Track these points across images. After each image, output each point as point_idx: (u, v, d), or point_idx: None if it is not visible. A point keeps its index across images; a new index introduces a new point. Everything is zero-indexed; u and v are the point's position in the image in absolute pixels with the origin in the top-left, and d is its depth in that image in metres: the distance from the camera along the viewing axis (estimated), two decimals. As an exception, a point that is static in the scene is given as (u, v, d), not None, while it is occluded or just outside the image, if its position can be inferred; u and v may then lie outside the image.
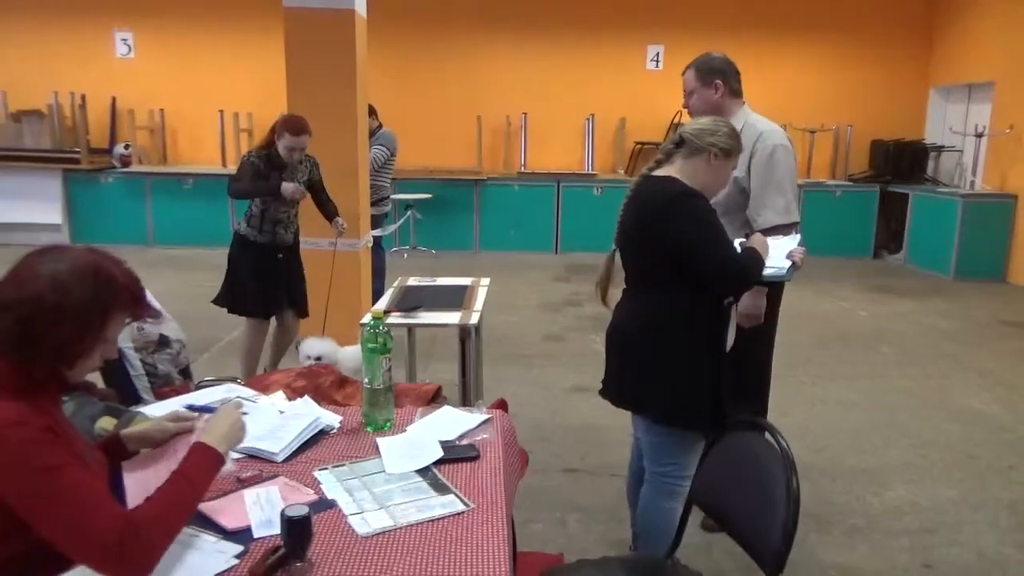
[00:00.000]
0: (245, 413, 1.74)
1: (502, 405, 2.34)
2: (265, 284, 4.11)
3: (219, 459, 1.48)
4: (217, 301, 4.26)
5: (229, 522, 1.53)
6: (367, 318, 2.05)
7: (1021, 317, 6.57)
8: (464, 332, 3.23)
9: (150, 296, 1.57)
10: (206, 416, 1.64)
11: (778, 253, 2.38)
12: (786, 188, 2.71)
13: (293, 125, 3.93)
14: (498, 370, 4.75)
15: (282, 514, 1.38)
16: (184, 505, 1.39)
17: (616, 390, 2.36)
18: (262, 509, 1.59)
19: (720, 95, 2.80)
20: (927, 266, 8.51)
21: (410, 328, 3.84)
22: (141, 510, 1.33)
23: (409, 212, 8.86)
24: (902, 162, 9.25)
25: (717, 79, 2.80)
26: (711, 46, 10.28)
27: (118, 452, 1.61)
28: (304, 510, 1.39)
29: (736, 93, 2.84)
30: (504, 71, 9.50)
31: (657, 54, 9.55)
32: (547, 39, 9.48)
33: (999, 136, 8.16)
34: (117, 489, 1.56)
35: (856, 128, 9.55)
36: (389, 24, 8.65)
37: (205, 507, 1.58)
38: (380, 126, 5.69)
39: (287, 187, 3.91)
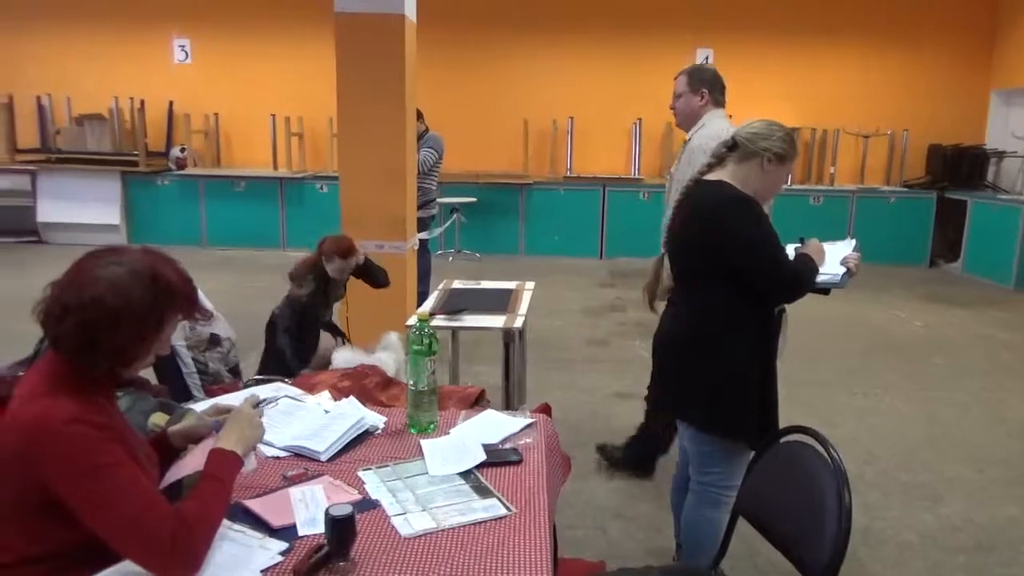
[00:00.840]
0: (262, 402, 1.76)
1: (546, 410, 2.34)
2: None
3: (237, 461, 1.51)
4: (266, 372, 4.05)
5: (275, 519, 1.56)
6: (413, 320, 2.07)
7: (1087, 329, 6.31)
8: (508, 336, 3.23)
9: (202, 296, 1.61)
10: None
11: (832, 259, 2.32)
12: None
13: (343, 248, 3.77)
14: (541, 374, 4.74)
15: (326, 513, 1.40)
16: (220, 504, 1.43)
17: (662, 396, 2.33)
18: (307, 507, 1.61)
19: (703, 103, 3.13)
20: (986, 275, 8.22)
21: (454, 331, 3.85)
22: (187, 508, 1.36)
23: (455, 215, 8.91)
24: (961, 168, 8.96)
25: (704, 88, 3.14)
26: (762, 49, 10.16)
27: (166, 449, 1.65)
28: (348, 509, 1.40)
29: (718, 103, 3.16)
30: (551, 75, 9.49)
31: (707, 57, 9.42)
32: (594, 42, 9.44)
33: (1065, 141, 7.85)
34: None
35: (912, 133, 9.29)
36: (436, 28, 8.71)
37: (252, 504, 1.61)
38: (427, 130, 5.74)
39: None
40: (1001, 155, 8.93)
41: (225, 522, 1.46)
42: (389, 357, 3.18)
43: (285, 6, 9.28)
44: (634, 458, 3.50)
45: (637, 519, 3.09)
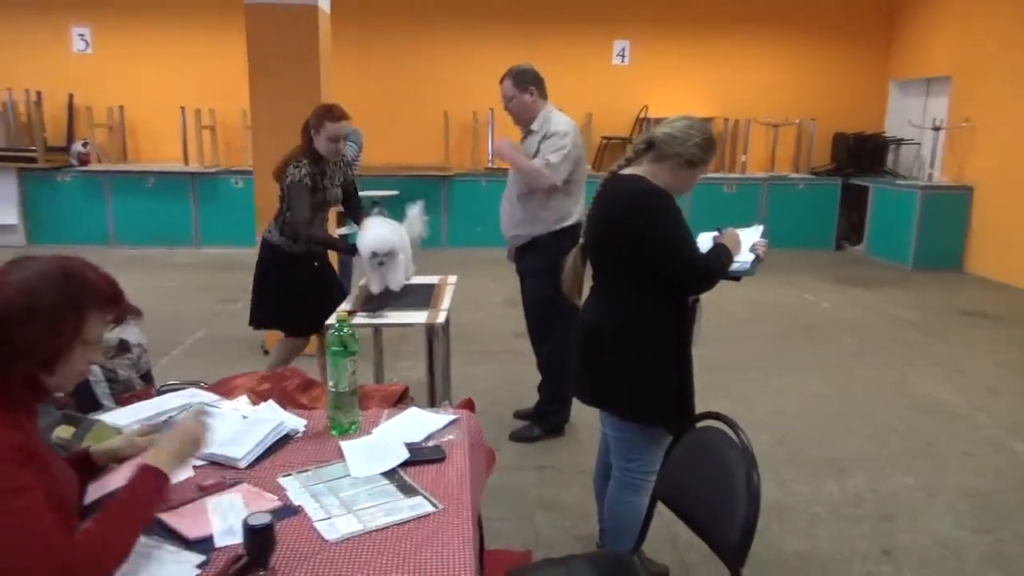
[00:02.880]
0: (207, 415, 1.72)
1: (469, 404, 2.35)
2: (316, 298, 3.58)
3: (163, 479, 1.46)
4: (258, 323, 3.79)
5: (191, 531, 1.51)
6: (333, 320, 2.04)
7: (977, 306, 6.75)
8: (431, 332, 3.22)
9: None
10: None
11: (743, 246, 2.40)
12: (558, 155, 3.43)
13: (333, 111, 3.48)
14: (467, 367, 4.75)
15: (244, 522, 1.37)
16: (128, 528, 1.36)
17: (583, 387, 2.38)
18: (224, 517, 1.57)
19: (534, 99, 3.46)
20: (887, 257, 8.68)
21: (376, 327, 3.81)
22: (87, 536, 1.30)
23: (376, 209, 8.77)
24: (863, 155, 9.42)
25: (531, 86, 3.44)
26: (676, 41, 10.34)
27: (88, 468, 1.59)
28: (266, 518, 1.38)
29: (544, 96, 3.51)
30: (470, 67, 9.45)
31: (623, 49, 9.59)
32: (513, 34, 9.46)
33: (956, 129, 8.35)
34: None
35: (819, 122, 9.70)
36: (355, 20, 8.57)
37: (166, 516, 1.56)
38: (345, 123, 5.63)
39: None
40: (899, 142, 9.43)
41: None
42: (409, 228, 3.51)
43: (192, -6, 8.95)
44: (542, 432, 3.79)
45: (563, 507, 3.15)
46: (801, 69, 9.72)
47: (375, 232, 3.32)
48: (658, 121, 10.04)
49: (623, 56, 9.59)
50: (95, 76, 9.12)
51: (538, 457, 3.61)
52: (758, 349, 5.40)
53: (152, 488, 1.43)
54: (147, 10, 9.08)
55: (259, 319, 3.82)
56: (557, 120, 3.52)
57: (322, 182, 3.64)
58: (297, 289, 3.70)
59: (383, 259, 3.26)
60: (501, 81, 3.52)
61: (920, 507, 3.19)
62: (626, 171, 2.30)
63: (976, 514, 3.13)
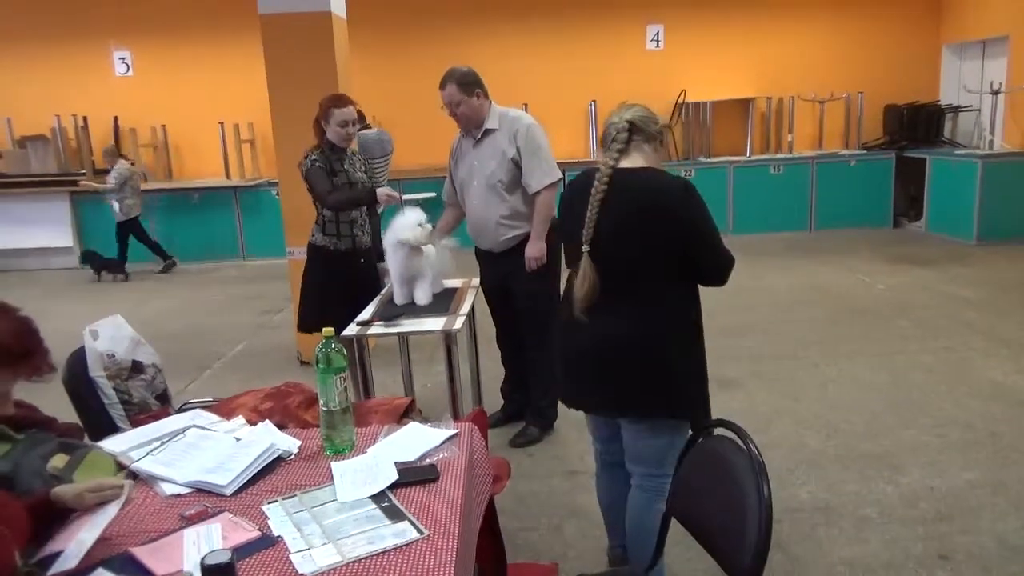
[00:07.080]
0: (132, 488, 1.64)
1: (479, 416, 2.24)
2: (357, 298, 3.54)
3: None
4: (307, 327, 3.80)
5: (160, 567, 1.45)
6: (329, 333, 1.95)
7: (1048, 280, 6.32)
8: (449, 338, 3.12)
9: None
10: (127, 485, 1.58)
11: None
12: (546, 153, 3.45)
13: (337, 97, 3.66)
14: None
15: (201, 562, 1.29)
16: None
17: (600, 399, 2.23)
18: (199, 551, 1.50)
19: (480, 100, 3.43)
20: (949, 232, 8.22)
21: (402, 335, 3.74)
22: None
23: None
24: (917, 126, 8.95)
25: (476, 89, 3.42)
26: (711, 21, 10.00)
27: (49, 513, 1.54)
28: (225, 556, 1.29)
29: (487, 95, 3.49)
30: (502, 62, 9.32)
31: (657, 33, 9.33)
32: (544, 26, 9.31)
33: (1017, 92, 7.84)
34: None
35: (867, 94, 9.25)
36: (376, 22, 8.57)
37: (139, 551, 1.50)
38: (367, 126, 5.60)
39: (382, 192, 3.60)
40: (956, 110, 8.93)
41: None
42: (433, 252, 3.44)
43: (225, 11, 9.06)
44: (540, 432, 3.73)
45: (595, 515, 2.99)
46: (845, 40, 9.28)
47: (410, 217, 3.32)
48: (697, 106, 9.59)
49: (657, 41, 9.32)
50: (137, 98, 9.34)
51: (570, 462, 3.48)
52: (808, 337, 5.14)
53: None
54: (184, 30, 9.24)
55: (308, 322, 3.82)
56: (515, 113, 3.54)
57: (341, 165, 3.73)
58: (340, 287, 3.74)
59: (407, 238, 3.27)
60: (442, 87, 3.44)
61: (981, 505, 2.94)
62: (626, 164, 2.16)
63: (1045, 511, 2.88)
